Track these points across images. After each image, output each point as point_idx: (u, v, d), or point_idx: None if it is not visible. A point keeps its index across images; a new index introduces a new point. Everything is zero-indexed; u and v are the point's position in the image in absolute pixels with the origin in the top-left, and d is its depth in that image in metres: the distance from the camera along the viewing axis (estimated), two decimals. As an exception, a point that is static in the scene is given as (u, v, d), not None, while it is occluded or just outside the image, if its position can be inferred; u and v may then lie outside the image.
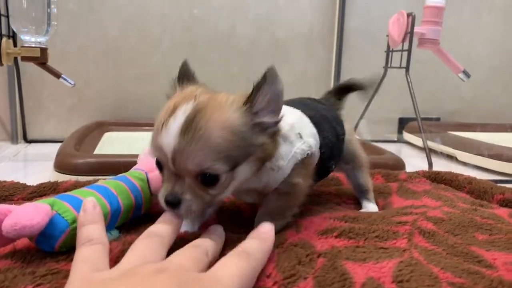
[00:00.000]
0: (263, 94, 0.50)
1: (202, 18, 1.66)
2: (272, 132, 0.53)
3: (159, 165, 0.52)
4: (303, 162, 0.60)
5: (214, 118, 0.48)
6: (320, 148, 0.63)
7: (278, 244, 0.54)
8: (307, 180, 0.62)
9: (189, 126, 0.47)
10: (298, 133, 0.60)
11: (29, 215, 0.46)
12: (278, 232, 0.56)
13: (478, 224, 0.62)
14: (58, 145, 1.15)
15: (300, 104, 0.68)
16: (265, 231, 0.49)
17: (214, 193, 0.51)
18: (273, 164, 0.56)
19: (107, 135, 1.44)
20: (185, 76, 0.56)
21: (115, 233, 0.57)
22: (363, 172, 0.78)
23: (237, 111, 0.50)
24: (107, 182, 0.60)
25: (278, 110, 0.52)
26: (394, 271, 0.47)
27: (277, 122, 0.53)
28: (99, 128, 1.47)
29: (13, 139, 1.54)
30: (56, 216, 0.49)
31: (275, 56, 1.75)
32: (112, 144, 1.33)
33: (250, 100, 0.50)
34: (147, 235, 0.46)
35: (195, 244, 0.46)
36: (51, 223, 0.48)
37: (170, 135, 0.47)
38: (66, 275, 0.44)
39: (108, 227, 0.55)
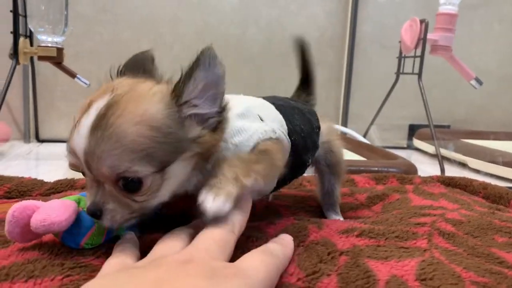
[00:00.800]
0: (196, 81, 0.43)
1: (214, 23, 1.67)
2: (214, 122, 0.46)
3: (81, 171, 0.45)
4: (267, 144, 0.52)
5: (128, 112, 0.41)
6: (290, 135, 0.57)
7: (299, 242, 0.54)
8: (278, 152, 0.53)
9: (99, 123, 0.41)
10: (258, 114, 0.53)
11: (57, 212, 0.46)
12: None
13: (497, 227, 0.62)
14: (70, 145, 1.15)
15: (268, 98, 0.63)
16: (286, 238, 0.50)
17: (141, 199, 0.44)
18: (228, 143, 0.48)
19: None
20: (134, 67, 0.50)
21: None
22: (339, 182, 0.70)
23: (159, 102, 0.43)
24: None
25: (218, 97, 0.45)
26: (417, 269, 0.47)
27: (219, 112, 0.46)
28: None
29: (26, 138, 1.55)
30: (82, 213, 0.49)
31: (286, 60, 1.76)
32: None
33: (177, 88, 0.44)
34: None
35: (223, 221, 0.42)
36: (77, 220, 0.48)
37: (81, 136, 0.41)
38: (93, 269, 0.44)
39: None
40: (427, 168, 1.39)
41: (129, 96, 0.42)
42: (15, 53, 1.18)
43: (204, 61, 0.43)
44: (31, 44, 1.27)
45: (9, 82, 1.16)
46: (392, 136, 1.86)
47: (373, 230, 0.59)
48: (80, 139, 0.41)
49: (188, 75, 0.43)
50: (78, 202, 0.50)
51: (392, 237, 0.57)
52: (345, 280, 0.45)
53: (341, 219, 0.70)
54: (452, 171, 1.36)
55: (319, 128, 0.66)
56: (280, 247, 0.46)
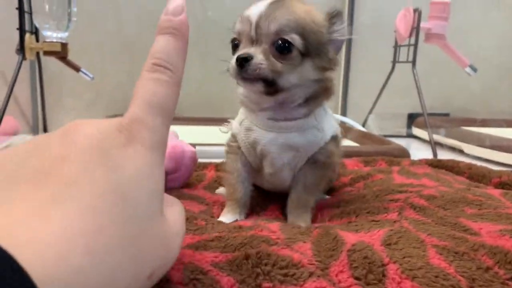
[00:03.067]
0: (343, 22, 0.57)
1: (214, 18, 1.71)
2: (334, 56, 0.58)
3: (235, 44, 0.57)
4: (335, 140, 0.63)
5: (301, 5, 0.56)
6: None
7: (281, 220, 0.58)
8: (339, 157, 0.66)
9: (278, 2, 0.54)
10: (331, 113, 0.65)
11: None
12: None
13: (468, 200, 0.65)
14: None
15: None
16: (174, 9, 0.37)
17: (284, 62, 0.54)
18: (318, 123, 0.60)
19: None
20: None
21: None
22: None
23: (320, 14, 0.57)
24: None
25: (339, 49, 0.59)
26: (383, 236, 0.51)
27: (337, 53, 0.58)
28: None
29: (35, 132, 1.61)
30: None
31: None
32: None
33: (334, 16, 0.57)
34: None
35: None
36: None
37: (260, 6, 0.54)
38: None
39: None
40: (423, 154, 1.42)
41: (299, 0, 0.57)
42: (21, 49, 1.23)
43: (344, 20, 0.57)
44: (37, 40, 1.32)
45: (16, 77, 1.21)
46: (391, 125, 1.88)
47: (344, 211, 0.63)
48: (259, 8, 0.54)
49: (340, 15, 0.57)
50: None
51: (363, 213, 0.61)
52: (317, 244, 0.49)
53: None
54: (447, 157, 1.38)
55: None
56: (171, 42, 0.36)
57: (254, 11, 0.54)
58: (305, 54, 0.55)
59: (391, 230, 0.53)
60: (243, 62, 0.53)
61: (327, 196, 0.75)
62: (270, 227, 0.53)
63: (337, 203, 0.67)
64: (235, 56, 0.53)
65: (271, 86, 0.55)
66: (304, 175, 0.61)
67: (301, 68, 0.55)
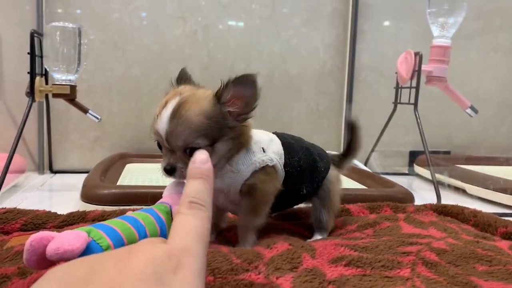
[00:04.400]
0: (228, 91, 0.65)
1: (219, 58, 1.75)
2: (243, 119, 0.67)
3: (158, 144, 0.68)
4: (264, 170, 0.72)
5: (193, 108, 0.64)
6: (286, 166, 0.76)
7: (293, 267, 0.59)
8: (268, 184, 0.73)
9: (175, 115, 0.63)
10: (262, 147, 0.73)
11: (70, 241, 0.51)
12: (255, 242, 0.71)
13: (479, 255, 0.66)
14: (81, 176, 1.21)
15: (287, 134, 0.83)
16: (201, 161, 0.48)
17: None
18: (233, 167, 0.70)
19: (129, 167, 1.52)
20: (182, 78, 0.73)
21: None
22: (329, 214, 0.83)
23: (209, 102, 0.65)
24: (136, 213, 0.65)
25: (248, 105, 0.66)
26: (397, 297, 0.52)
27: (247, 113, 0.67)
28: (121, 160, 1.55)
29: (40, 170, 1.62)
30: (92, 242, 0.54)
31: (288, 91, 1.83)
32: (134, 175, 1.40)
33: (218, 95, 0.65)
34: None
35: None
36: (88, 249, 0.53)
37: (163, 122, 0.64)
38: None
39: None
40: (426, 194, 1.43)
41: (191, 98, 0.65)
42: (31, 92, 1.25)
43: (239, 80, 0.64)
44: (46, 82, 1.34)
45: (26, 119, 1.23)
46: (393, 163, 1.90)
47: (361, 258, 0.63)
48: (163, 124, 0.64)
49: (224, 87, 0.65)
50: (89, 233, 0.55)
51: (378, 267, 0.61)
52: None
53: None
54: (449, 197, 1.40)
55: (324, 168, 0.82)
56: (201, 184, 0.45)
57: (161, 128, 0.64)
58: (213, 142, 0.65)
59: (404, 290, 0.54)
60: (169, 172, 0.65)
61: (324, 237, 0.81)
62: (281, 284, 0.54)
63: (354, 246, 0.68)
64: (162, 165, 0.66)
65: None
66: (241, 205, 0.74)
67: (214, 153, 0.66)
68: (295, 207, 0.89)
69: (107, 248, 0.54)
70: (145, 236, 0.62)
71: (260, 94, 0.66)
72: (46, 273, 0.37)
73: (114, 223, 0.60)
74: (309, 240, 0.78)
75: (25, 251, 0.51)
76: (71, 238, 0.51)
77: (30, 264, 0.52)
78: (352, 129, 0.91)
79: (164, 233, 0.66)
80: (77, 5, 1.64)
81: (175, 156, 0.65)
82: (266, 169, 0.73)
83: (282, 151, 0.77)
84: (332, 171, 0.84)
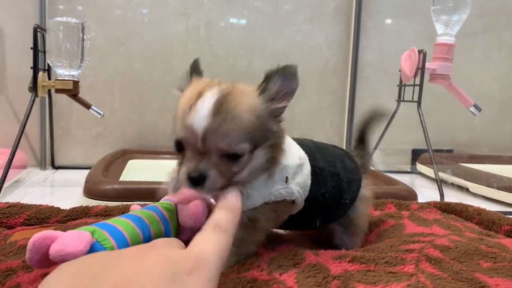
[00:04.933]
0: (273, 83, 0.55)
1: (221, 55, 1.75)
2: (279, 118, 0.58)
3: (180, 145, 0.54)
4: (275, 206, 0.62)
5: (242, 102, 0.52)
6: (308, 200, 0.65)
7: (296, 263, 0.59)
8: (271, 222, 0.64)
9: (220, 108, 0.50)
10: (286, 177, 0.62)
11: (73, 243, 0.50)
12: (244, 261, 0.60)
13: (483, 252, 0.66)
14: (83, 172, 1.21)
15: (320, 149, 0.71)
16: (233, 200, 0.50)
17: (236, 169, 0.54)
18: (245, 189, 0.58)
19: (131, 163, 1.52)
20: (195, 71, 0.60)
21: None
22: (353, 239, 0.74)
23: (257, 98, 0.54)
24: (141, 212, 0.64)
25: (288, 98, 0.56)
26: (401, 293, 0.52)
27: (283, 110, 0.57)
28: (123, 156, 1.55)
29: (42, 165, 1.62)
30: (96, 243, 0.53)
31: (292, 88, 1.82)
32: (136, 171, 1.40)
33: (263, 88, 0.55)
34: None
35: None
36: (91, 251, 0.53)
37: (201, 116, 0.50)
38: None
39: None
40: (429, 192, 1.43)
41: (237, 91, 0.53)
42: (34, 87, 1.25)
43: (283, 72, 0.55)
44: (49, 78, 1.34)
45: (29, 114, 1.22)
46: (396, 161, 1.89)
47: (364, 256, 0.63)
48: (202, 119, 0.50)
49: (267, 79, 0.55)
50: (93, 233, 0.55)
51: (381, 263, 0.61)
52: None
53: None
54: (452, 196, 1.39)
55: (350, 200, 0.71)
56: (228, 215, 0.47)
57: (198, 123, 0.50)
58: (255, 148, 0.54)
59: (409, 285, 0.54)
60: (197, 181, 0.52)
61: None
62: (285, 280, 0.54)
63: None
64: (185, 172, 0.52)
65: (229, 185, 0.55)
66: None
67: (251, 162, 0.55)
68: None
69: (111, 249, 0.54)
70: (150, 236, 0.61)
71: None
72: (59, 267, 0.37)
73: (119, 222, 0.59)
74: None
75: (28, 250, 0.51)
76: (74, 240, 0.50)
77: (32, 263, 0.51)
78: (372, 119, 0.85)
79: (168, 232, 0.66)
80: (80, 1, 1.63)
81: (207, 161, 0.52)
82: (279, 204, 0.62)
83: (309, 182, 0.65)
84: (363, 192, 0.73)
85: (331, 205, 0.69)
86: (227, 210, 0.48)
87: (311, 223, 0.71)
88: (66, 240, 0.50)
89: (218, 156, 0.52)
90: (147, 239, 0.61)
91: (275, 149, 0.58)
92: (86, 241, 0.51)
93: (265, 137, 0.55)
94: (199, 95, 0.52)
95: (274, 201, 0.61)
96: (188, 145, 0.53)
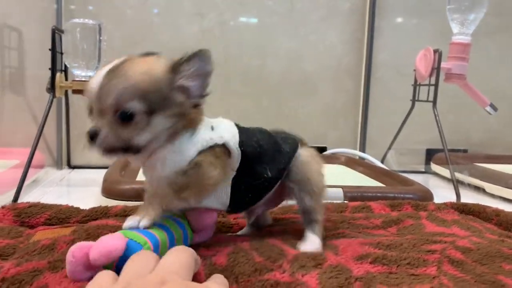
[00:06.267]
0: (190, 65, 0.58)
1: (235, 54, 1.75)
2: (195, 101, 0.61)
3: (90, 110, 0.58)
4: (213, 151, 0.62)
5: (138, 65, 0.57)
6: (241, 145, 0.65)
7: (317, 264, 0.59)
8: (215, 167, 0.62)
9: (114, 70, 0.56)
10: (211, 126, 0.64)
11: (111, 242, 0.52)
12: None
13: (505, 254, 0.66)
14: (99, 171, 1.22)
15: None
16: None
17: (129, 131, 0.56)
18: (175, 147, 0.60)
19: (147, 162, 1.53)
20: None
21: None
22: (313, 197, 0.71)
23: (161, 66, 0.58)
24: (165, 220, 0.64)
25: (204, 86, 0.60)
26: (425, 295, 0.52)
27: (202, 96, 0.61)
28: (138, 156, 1.56)
29: (58, 165, 1.64)
30: (129, 241, 0.55)
31: (304, 88, 1.82)
32: (152, 171, 1.40)
33: (175, 64, 0.58)
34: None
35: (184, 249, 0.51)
36: (127, 247, 0.54)
37: (98, 76, 0.56)
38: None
39: None
40: (444, 192, 1.42)
41: (140, 59, 0.60)
42: (52, 88, 1.26)
43: (201, 55, 0.58)
44: (66, 78, 1.36)
45: (47, 115, 1.24)
46: (410, 161, 1.88)
47: (386, 256, 0.63)
48: (97, 78, 0.55)
49: (186, 58, 0.58)
50: (124, 234, 0.56)
51: (403, 264, 0.61)
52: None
53: (317, 240, 0.70)
54: (468, 196, 1.38)
55: (290, 150, 0.72)
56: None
57: (94, 83, 0.56)
58: (151, 112, 0.57)
59: (432, 287, 0.54)
60: (91, 137, 0.56)
61: (316, 234, 0.71)
62: (307, 281, 0.54)
63: (378, 244, 0.68)
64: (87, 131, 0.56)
65: (127, 151, 0.58)
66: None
67: (151, 126, 0.57)
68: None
69: (145, 243, 0.55)
70: (172, 236, 0.62)
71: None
72: None
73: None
74: (301, 245, 0.69)
75: (68, 264, 0.52)
76: (110, 240, 0.52)
77: (75, 276, 0.52)
78: None
79: (185, 235, 0.66)
80: (95, 2, 1.65)
81: (102, 120, 0.56)
82: (215, 150, 0.63)
83: (236, 130, 0.67)
84: (304, 151, 0.74)
85: (271, 152, 0.70)
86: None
87: (263, 175, 0.68)
88: (103, 243, 0.52)
89: (111, 115, 0.55)
90: (171, 238, 0.62)
91: (182, 119, 0.60)
92: (121, 239, 0.53)
93: (164, 103, 0.58)
94: (107, 64, 0.58)
95: (205, 149, 0.62)
96: (92, 108, 0.57)
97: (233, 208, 0.70)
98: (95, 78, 0.56)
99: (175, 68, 0.58)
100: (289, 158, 0.71)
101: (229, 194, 0.67)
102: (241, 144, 0.65)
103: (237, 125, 0.69)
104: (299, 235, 0.72)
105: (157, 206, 0.59)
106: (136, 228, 0.58)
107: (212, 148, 0.62)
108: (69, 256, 0.52)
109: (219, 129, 0.65)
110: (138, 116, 0.56)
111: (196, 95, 0.61)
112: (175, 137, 0.60)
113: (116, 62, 0.58)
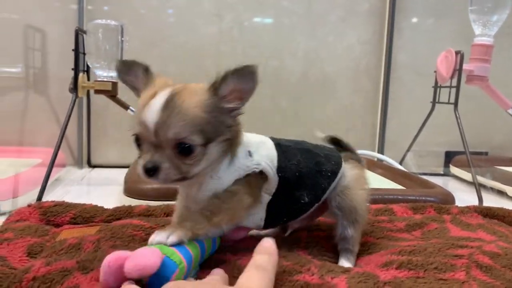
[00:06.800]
0: (227, 84, 0.58)
1: (253, 55, 1.76)
2: (236, 114, 0.61)
3: (138, 140, 0.59)
4: (247, 180, 0.63)
5: (189, 99, 0.57)
6: (280, 171, 0.65)
7: (345, 270, 0.59)
8: (248, 195, 0.64)
9: (169, 104, 0.56)
10: (248, 151, 0.65)
11: (147, 257, 0.52)
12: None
13: (533, 260, 0.65)
14: (119, 170, 1.24)
15: (285, 139, 0.73)
16: (269, 246, 0.55)
17: (189, 163, 0.58)
18: (213, 173, 0.62)
19: (165, 163, 1.54)
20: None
21: (194, 271, 0.63)
22: (355, 227, 0.71)
23: (206, 95, 0.58)
24: None
25: (243, 100, 0.60)
26: (455, 301, 0.51)
27: (239, 107, 0.60)
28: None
29: (79, 164, 1.66)
30: (165, 258, 0.55)
31: (323, 89, 1.82)
32: (172, 171, 1.41)
33: (215, 87, 0.58)
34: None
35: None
36: (162, 265, 0.54)
37: (153, 111, 0.56)
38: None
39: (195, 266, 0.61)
40: (464, 196, 1.40)
41: (186, 89, 0.59)
42: (75, 88, 1.28)
43: (238, 72, 0.58)
44: (88, 79, 1.37)
45: (70, 114, 1.26)
46: (429, 163, 1.87)
47: (411, 261, 0.63)
48: (153, 114, 0.56)
49: (222, 79, 0.58)
50: (161, 249, 0.56)
51: (431, 269, 0.60)
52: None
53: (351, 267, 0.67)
54: (490, 200, 1.36)
55: (332, 172, 0.71)
56: (267, 257, 0.53)
57: (149, 118, 0.56)
58: (207, 142, 0.58)
59: (462, 293, 0.53)
60: (151, 172, 0.56)
61: (351, 264, 0.70)
62: (337, 284, 0.54)
63: (401, 250, 0.68)
64: (141, 163, 0.57)
65: (183, 179, 0.60)
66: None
67: (206, 155, 0.59)
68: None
69: (180, 262, 0.55)
70: (203, 246, 0.62)
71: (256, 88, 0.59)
72: None
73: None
74: None
75: (102, 272, 0.52)
76: (147, 254, 0.52)
77: (108, 284, 0.53)
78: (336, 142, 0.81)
79: (214, 241, 0.66)
80: (117, 3, 1.66)
81: (160, 153, 0.57)
82: (251, 178, 0.64)
83: (275, 154, 0.67)
84: (349, 171, 0.73)
85: (311, 176, 0.69)
86: (265, 253, 0.54)
87: (300, 200, 0.69)
88: (139, 256, 0.52)
89: (171, 149, 0.57)
90: (202, 249, 0.62)
91: (232, 143, 0.62)
92: (158, 256, 0.53)
93: (218, 131, 0.59)
94: (153, 95, 0.58)
95: (241, 178, 0.63)
96: (144, 139, 0.58)
97: (267, 226, 0.71)
98: (148, 113, 0.56)
99: (215, 90, 0.59)
100: (330, 182, 0.70)
101: (264, 217, 0.68)
102: (280, 170, 0.66)
103: (277, 144, 0.69)
104: (327, 248, 0.72)
105: (187, 229, 0.59)
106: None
107: (248, 175, 0.63)
108: (104, 265, 0.52)
109: (257, 155, 0.65)
110: (197, 149, 0.57)
111: (237, 109, 0.61)
112: (217, 162, 0.62)
113: (163, 93, 0.57)
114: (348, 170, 0.73)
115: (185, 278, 0.57)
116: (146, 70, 0.64)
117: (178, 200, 0.70)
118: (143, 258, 0.51)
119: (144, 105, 0.57)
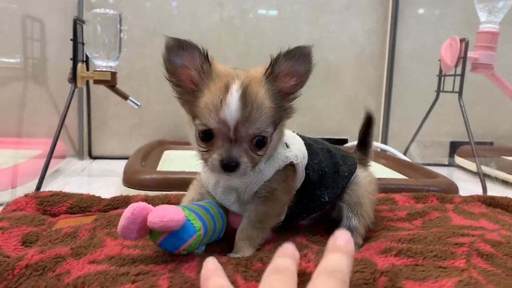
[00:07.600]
0: (279, 66, 0.58)
1: (256, 45, 1.74)
2: (293, 98, 0.61)
3: (209, 135, 0.57)
4: (285, 173, 0.64)
5: (259, 90, 0.56)
6: (307, 168, 0.67)
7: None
8: (287, 193, 0.66)
9: (246, 100, 0.55)
10: (286, 143, 0.66)
11: (175, 212, 0.52)
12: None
13: (537, 248, 0.63)
14: (119, 162, 1.23)
15: (305, 137, 0.74)
16: (345, 243, 0.47)
17: (261, 154, 0.59)
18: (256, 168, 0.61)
19: (167, 153, 1.53)
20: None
21: (202, 248, 0.62)
22: (360, 221, 0.71)
23: (267, 82, 0.58)
24: (205, 203, 0.65)
25: (299, 83, 0.60)
26: (454, 288, 0.50)
27: (296, 90, 0.61)
28: (159, 147, 1.56)
29: (80, 155, 1.66)
30: (187, 221, 0.55)
31: (327, 78, 1.80)
32: (173, 161, 1.41)
33: (271, 71, 0.58)
34: (276, 271, 0.45)
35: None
36: (183, 226, 0.53)
37: (233, 110, 0.55)
38: (154, 275, 0.50)
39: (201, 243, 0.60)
40: (469, 186, 1.38)
41: (253, 80, 0.57)
42: (74, 78, 1.27)
43: (291, 53, 0.58)
44: (87, 69, 1.36)
45: (69, 104, 1.25)
46: (433, 153, 1.84)
47: (410, 249, 0.61)
48: (234, 111, 0.55)
49: (274, 62, 0.58)
50: (183, 211, 0.55)
51: (430, 256, 0.59)
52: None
53: None
54: (495, 190, 1.34)
55: (348, 173, 0.73)
56: (343, 258, 0.46)
57: (230, 115, 0.55)
58: (275, 129, 0.59)
59: (460, 281, 0.52)
60: (231, 168, 0.56)
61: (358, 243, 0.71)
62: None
63: (400, 240, 0.66)
64: (217, 158, 0.56)
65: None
66: (249, 211, 0.64)
67: (271, 143, 0.60)
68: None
69: (199, 229, 0.55)
70: (215, 225, 0.63)
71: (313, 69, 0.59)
72: None
73: (196, 208, 0.61)
74: None
75: (124, 218, 0.52)
76: (174, 209, 0.53)
77: (125, 232, 0.52)
78: (369, 122, 0.84)
79: (223, 225, 0.66)
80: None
81: (238, 148, 0.56)
82: (287, 171, 0.65)
83: (306, 151, 0.68)
84: (361, 174, 0.75)
85: (331, 177, 0.71)
86: (341, 254, 0.46)
87: (320, 198, 0.70)
88: (166, 210, 0.52)
89: (248, 143, 0.57)
90: (214, 226, 0.62)
91: (283, 127, 0.63)
92: (183, 214, 0.53)
93: (280, 116, 0.59)
94: (226, 89, 0.56)
95: (281, 169, 0.64)
96: (219, 134, 0.56)
97: (284, 223, 0.70)
98: (228, 110, 0.55)
99: (269, 74, 0.58)
100: (346, 182, 0.72)
101: (285, 214, 0.69)
102: (307, 167, 0.67)
103: (301, 138, 0.71)
104: (326, 237, 0.70)
105: (251, 248, 0.62)
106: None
107: (285, 167, 0.64)
108: (127, 212, 0.52)
109: (293, 147, 0.66)
110: (269, 139, 0.59)
111: (293, 92, 0.61)
112: (274, 149, 0.63)
113: (234, 87, 0.56)
114: (361, 173, 0.75)
115: (198, 247, 0.57)
116: (206, 55, 0.60)
117: (192, 186, 0.72)
118: (170, 212, 0.50)
119: (220, 101, 0.55)
